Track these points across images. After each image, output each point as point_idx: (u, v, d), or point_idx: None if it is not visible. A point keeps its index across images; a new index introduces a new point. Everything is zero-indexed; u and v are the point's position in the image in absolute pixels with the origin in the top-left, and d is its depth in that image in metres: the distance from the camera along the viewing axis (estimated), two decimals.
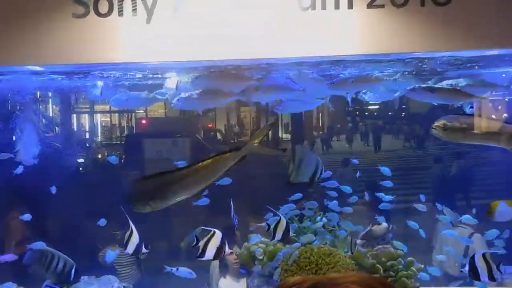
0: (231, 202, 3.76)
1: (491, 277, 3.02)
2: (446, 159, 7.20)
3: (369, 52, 2.94)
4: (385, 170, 4.21)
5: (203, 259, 3.32)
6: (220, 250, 3.29)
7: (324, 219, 4.06)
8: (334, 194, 4.27)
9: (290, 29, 2.83)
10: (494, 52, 3.17)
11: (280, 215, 3.66)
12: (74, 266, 4.17)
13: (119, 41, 2.87)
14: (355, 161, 5.28)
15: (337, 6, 2.83)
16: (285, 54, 2.91)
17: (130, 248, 3.58)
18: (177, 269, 3.76)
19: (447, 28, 2.81)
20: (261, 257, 4.09)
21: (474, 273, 2.98)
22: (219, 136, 14.98)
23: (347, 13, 2.84)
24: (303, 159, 5.15)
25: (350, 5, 2.83)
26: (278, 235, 3.49)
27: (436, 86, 3.67)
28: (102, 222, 4.19)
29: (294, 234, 4.08)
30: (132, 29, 2.85)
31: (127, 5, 2.85)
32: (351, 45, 2.85)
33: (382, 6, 2.82)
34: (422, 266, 3.90)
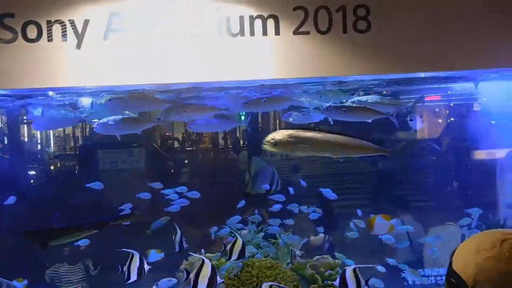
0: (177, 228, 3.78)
1: None
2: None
3: (292, 76, 3.09)
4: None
5: None
6: (212, 279, 3.11)
7: (262, 232, 4.18)
8: (277, 207, 4.40)
9: (218, 54, 2.94)
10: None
11: (237, 235, 3.70)
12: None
13: (48, 66, 2.87)
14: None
15: (265, 33, 2.96)
16: (208, 79, 3.01)
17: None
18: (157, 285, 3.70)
19: (366, 53, 2.99)
20: None
21: (343, 284, 3.12)
22: (176, 144, 14.83)
23: (274, 39, 2.97)
24: (259, 171, 5.28)
25: (277, 32, 2.97)
26: (235, 255, 3.53)
27: (348, 105, 3.87)
28: None
29: None
30: (62, 54, 2.86)
31: (57, 31, 2.86)
32: (275, 70, 2.98)
33: (307, 32, 2.97)
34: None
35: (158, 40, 2.91)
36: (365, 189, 6.07)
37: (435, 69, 3.28)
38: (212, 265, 3.11)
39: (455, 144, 5.95)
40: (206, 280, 3.06)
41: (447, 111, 6.38)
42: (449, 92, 5.56)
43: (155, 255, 3.97)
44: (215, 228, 4.35)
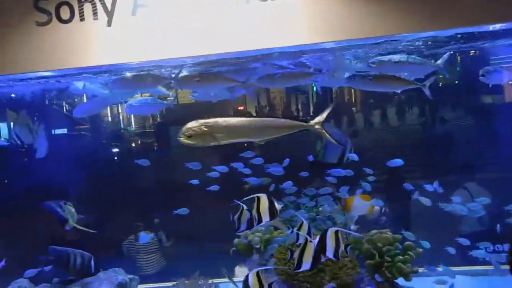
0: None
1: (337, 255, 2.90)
2: None
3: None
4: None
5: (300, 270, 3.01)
6: (316, 259, 2.97)
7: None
8: (334, 180, 4.19)
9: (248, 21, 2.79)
10: None
11: (243, 205, 3.60)
12: (92, 258, 4.37)
13: (83, 46, 2.91)
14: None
15: None
16: (241, 48, 2.87)
17: None
18: None
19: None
20: (258, 246, 4.12)
21: (321, 247, 2.86)
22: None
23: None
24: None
25: None
26: (243, 225, 3.43)
27: (375, 74, 3.47)
28: None
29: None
30: (94, 33, 2.88)
31: (88, 10, 2.88)
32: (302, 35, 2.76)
33: None
34: (420, 250, 3.77)
35: (184, 11, 2.81)
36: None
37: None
38: (315, 247, 2.95)
39: None
40: (310, 260, 2.95)
41: None
42: None
43: (145, 236, 4.02)
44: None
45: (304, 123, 3.16)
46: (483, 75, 3.59)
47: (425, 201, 4.06)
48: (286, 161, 4.22)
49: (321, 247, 2.89)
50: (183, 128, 3.03)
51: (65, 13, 2.89)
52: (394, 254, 3.76)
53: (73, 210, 4.33)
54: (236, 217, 3.50)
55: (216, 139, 3.02)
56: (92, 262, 4.36)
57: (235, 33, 2.88)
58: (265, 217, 3.08)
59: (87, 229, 4.31)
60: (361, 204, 3.26)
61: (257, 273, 2.91)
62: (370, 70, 3.50)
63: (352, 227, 3.87)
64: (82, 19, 2.88)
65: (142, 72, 3.59)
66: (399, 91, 3.50)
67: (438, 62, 3.53)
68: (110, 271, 4.29)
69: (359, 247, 3.88)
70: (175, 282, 4.09)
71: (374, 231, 3.91)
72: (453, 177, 4.89)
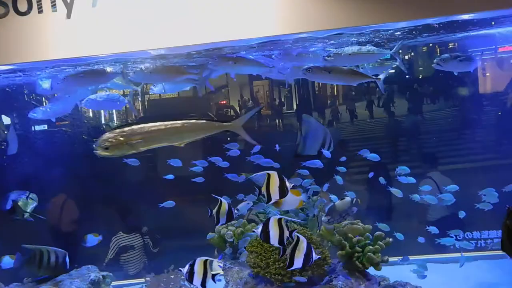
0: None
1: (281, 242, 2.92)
2: None
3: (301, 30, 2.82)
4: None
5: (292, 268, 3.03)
6: (308, 256, 2.98)
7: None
8: (306, 172, 4.20)
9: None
10: None
11: (221, 198, 3.58)
12: (67, 254, 4.32)
13: (41, 39, 2.84)
14: None
15: None
16: (209, 40, 2.83)
17: None
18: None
19: None
20: (231, 240, 4.11)
21: (265, 235, 2.90)
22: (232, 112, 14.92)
23: None
24: (310, 131, 5.02)
25: None
26: (222, 218, 3.42)
27: (332, 66, 3.46)
28: None
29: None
30: (53, 25, 2.82)
31: (46, 1, 2.81)
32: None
33: None
34: (390, 240, 3.80)
35: (147, 2, 2.77)
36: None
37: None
38: (308, 243, 2.98)
39: None
40: (302, 256, 2.95)
41: None
42: None
43: (93, 239, 4.00)
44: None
45: (224, 124, 3.14)
46: (438, 63, 3.60)
47: (397, 192, 4.11)
48: (257, 147, 4.19)
49: (264, 235, 2.89)
50: (99, 140, 2.95)
51: (22, 5, 2.81)
52: (365, 244, 3.79)
53: (33, 201, 4.28)
54: (214, 211, 3.48)
55: (135, 147, 2.96)
56: (67, 258, 4.31)
57: (200, 25, 2.84)
58: (275, 195, 3.00)
59: (39, 216, 4.24)
60: (292, 199, 3.25)
61: (279, 219, 2.95)
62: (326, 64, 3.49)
63: (324, 218, 3.87)
64: (40, 11, 2.81)
65: (96, 68, 3.53)
66: (355, 84, 3.50)
67: (392, 51, 3.53)
68: (83, 268, 4.24)
69: (330, 238, 3.91)
70: (146, 278, 4.07)
71: (346, 222, 3.94)
72: (423, 167, 4.94)
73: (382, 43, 3.77)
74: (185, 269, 2.89)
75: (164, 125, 3.03)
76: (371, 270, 3.78)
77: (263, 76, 3.99)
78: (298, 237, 2.95)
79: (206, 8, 2.83)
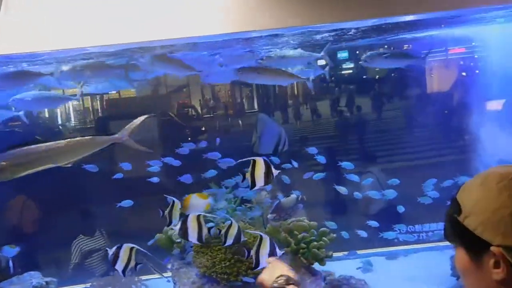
0: None
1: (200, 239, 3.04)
2: None
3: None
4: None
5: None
6: (272, 254, 2.95)
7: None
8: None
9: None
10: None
11: (173, 198, 3.58)
12: (10, 259, 4.20)
13: None
14: None
15: None
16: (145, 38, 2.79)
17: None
18: None
19: None
20: (178, 240, 4.09)
21: (183, 232, 3.00)
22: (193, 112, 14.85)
23: None
24: (266, 130, 5.06)
25: None
26: (174, 219, 3.41)
27: (262, 66, 3.54)
28: None
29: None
30: None
31: None
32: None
33: None
34: (334, 235, 3.89)
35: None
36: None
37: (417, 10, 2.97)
38: (271, 240, 2.99)
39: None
40: (267, 255, 2.94)
41: None
42: None
43: (10, 250, 3.98)
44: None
45: (111, 137, 3.14)
46: (365, 61, 3.71)
47: (342, 190, 4.19)
48: (217, 140, 4.20)
49: (183, 232, 2.95)
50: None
51: None
52: (310, 240, 3.85)
53: None
54: (167, 212, 3.46)
55: (20, 170, 2.91)
56: (11, 263, 4.20)
57: (136, 23, 2.80)
58: (259, 182, 2.93)
59: None
60: (198, 202, 3.31)
61: (198, 216, 2.99)
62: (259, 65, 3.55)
63: (269, 216, 3.93)
64: None
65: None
66: (285, 84, 3.58)
67: (321, 53, 3.62)
68: (26, 275, 4.13)
69: (276, 236, 3.95)
70: (90, 284, 4.01)
71: (292, 219, 4.00)
72: (366, 164, 5.08)
73: (318, 46, 3.85)
74: (111, 251, 2.90)
75: (48, 146, 2.99)
76: (316, 266, 3.86)
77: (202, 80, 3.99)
78: (261, 236, 2.98)
79: (141, 6, 2.81)
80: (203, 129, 8.32)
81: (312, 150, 4.30)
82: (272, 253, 2.95)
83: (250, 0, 2.84)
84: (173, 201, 3.38)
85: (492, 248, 1.11)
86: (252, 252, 2.97)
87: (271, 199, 4.08)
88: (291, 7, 2.83)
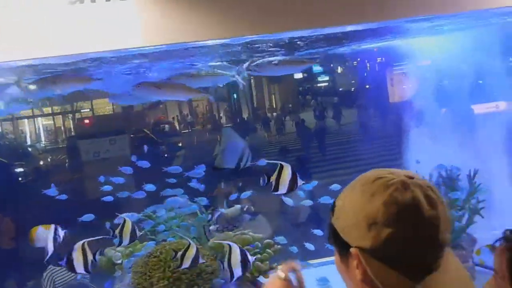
0: None
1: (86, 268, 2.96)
2: None
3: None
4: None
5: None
6: (245, 263, 3.02)
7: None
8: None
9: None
10: None
11: (125, 217, 3.45)
12: None
13: None
14: None
15: None
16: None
17: None
18: None
19: None
20: (119, 261, 3.93)
21: (69, 265, 2.89)
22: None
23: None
24: (229, 144, 4.94)
25: None
26: (126, 239, 3.28)
27: (161, 82, 3.48)
28: None
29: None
30: None
31: None
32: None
33: None
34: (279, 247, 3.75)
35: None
36: None
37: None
38: (240, 248, 3.00)
39: None
40: (240, 265, 2.95)
41: None
42: None
43: None
44: None
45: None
46: (254, 70, 3.62)
47: (288, 201, 4.05)
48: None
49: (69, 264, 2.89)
50: None
51: None
52: (254, 253, 3.71)
53: None
54: (117, 231, 3.32)
55: None
56: None
57: (65, 34, 2.71)
58: (283, 188, 2.89)
59: None
60: (45, 234, 3.19)
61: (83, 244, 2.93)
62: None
63: (212, 227, 3.78)
64: None
65: None
66: (186, 100, 3.51)
67: (237, 70, 3.55)
68: None
69: (220, 250, 3.80)
70: None
71: (237, 232, 3.85)
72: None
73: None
74: (63, 262, 2.86)
75: None
76: (261, 279, 3.70)
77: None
78: (230, 246, 2.94)
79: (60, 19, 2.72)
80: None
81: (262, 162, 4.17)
82: (244, 261, 2.94)
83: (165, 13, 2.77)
84: (125, 219, 3.27)
85: (351, 250, 1.14)
86: (225, 265, 2.95)
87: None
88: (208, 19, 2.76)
